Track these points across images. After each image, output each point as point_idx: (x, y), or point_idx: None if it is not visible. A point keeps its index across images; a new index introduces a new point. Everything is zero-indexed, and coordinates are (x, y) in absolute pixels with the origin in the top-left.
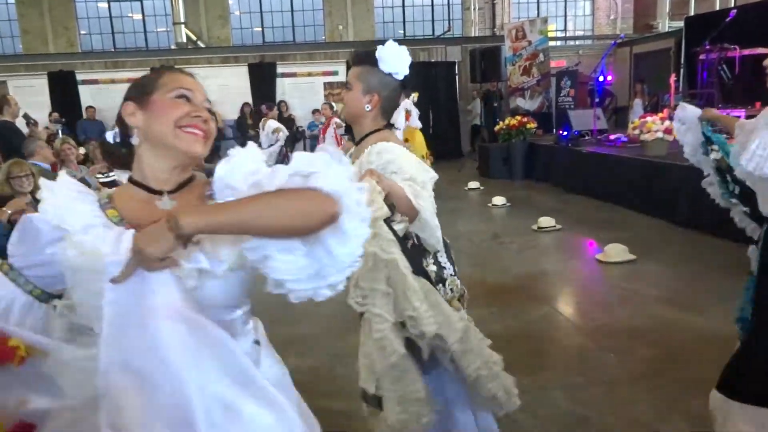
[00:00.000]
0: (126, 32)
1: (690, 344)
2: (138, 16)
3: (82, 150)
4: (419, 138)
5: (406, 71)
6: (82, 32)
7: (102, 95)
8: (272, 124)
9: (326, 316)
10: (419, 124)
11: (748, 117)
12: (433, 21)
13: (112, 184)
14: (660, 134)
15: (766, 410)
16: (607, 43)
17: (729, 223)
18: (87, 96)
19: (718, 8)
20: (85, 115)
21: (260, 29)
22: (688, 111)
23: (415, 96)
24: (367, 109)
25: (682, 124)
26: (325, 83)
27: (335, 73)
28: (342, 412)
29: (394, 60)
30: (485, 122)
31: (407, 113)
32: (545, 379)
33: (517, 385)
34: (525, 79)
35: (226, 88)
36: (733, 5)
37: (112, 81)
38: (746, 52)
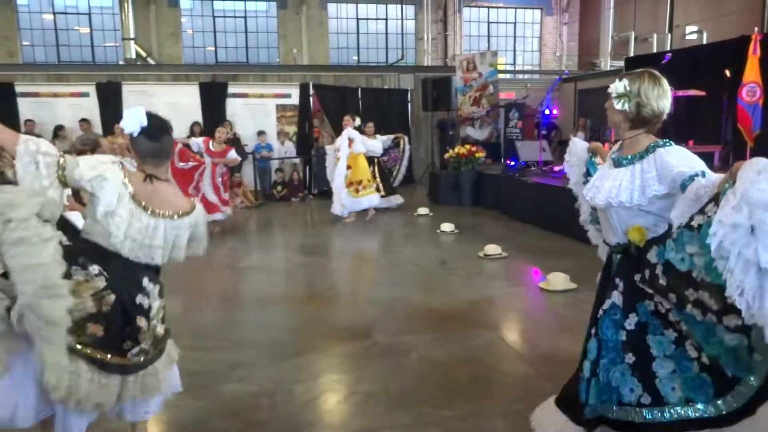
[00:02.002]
0: (72, 45)
1: None
2: (85, 30)
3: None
4: (362, 163)
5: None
6: (25, 43)
7: (43, 109)
8: None
9: (266, 343)
10: (363, 149)
11: None
12: (387, 49)
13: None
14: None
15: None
16: (553, 78)
17: None
18: (26, 109)
19: (655, 51)
20: (23, 129)
21: (213, 49)
22: (578, 144)
23: (358, 120)
24: None
25: (572, 156)
26: (277, 105)
27: (288, 96)
28: None
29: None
30: (438, 149)
31: (350, 141)
32: (486, 406)
33: (459, 411)
34: (475, 109)
35: (176, 106)
36: (668, 49)
37: (54, 95)
38: (680, 93)
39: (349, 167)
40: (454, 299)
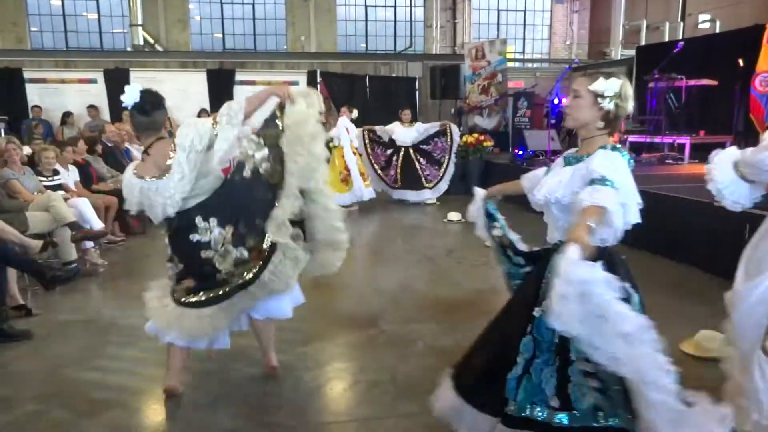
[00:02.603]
0: (80, 31)
1: None
2: (93, 16)
3: (27, 150)
4: (339, 155)
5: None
6: (33, 29)
7: (51, 95)
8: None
9: (275, 328)
10: (356, 142)
11: (693, 144)
12: (395, 36)
13: (58, 187)
14: None
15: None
16: (563, 67)
17: (678, 245)
18: (34, 95)
19: (667, 39)
20: (31, 115)
21: (221, 35)
22: (477, 194)
23: (356, 112)
24: None
25: (474, 205)
26: None
27: (296, 84)
28: (289, 428)
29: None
30: None
31: (348, 131)
32: None
33: None
34: (483, 98)
35: (184, 93)
36: (680, 38)
37: (62, 81)
38: (692, 82)
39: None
40: (461, 288)
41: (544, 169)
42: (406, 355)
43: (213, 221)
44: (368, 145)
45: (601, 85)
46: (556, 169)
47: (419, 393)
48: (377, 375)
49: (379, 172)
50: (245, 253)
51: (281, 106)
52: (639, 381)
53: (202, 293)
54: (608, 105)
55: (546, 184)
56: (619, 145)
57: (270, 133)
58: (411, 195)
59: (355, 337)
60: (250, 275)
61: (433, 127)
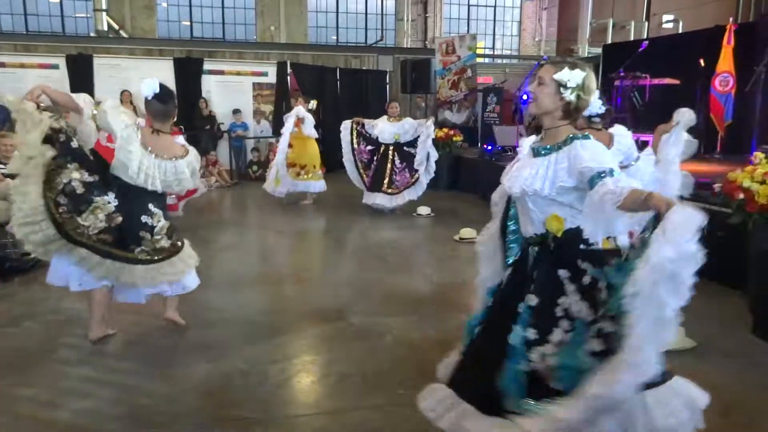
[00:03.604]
0: (40, 15)
1: None
2: None
3: None
4: (311, 148)
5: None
6: None
7: (9, 80)
8: None
9: (240, 324)
10: (314, 134)
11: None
12: (366, 29)
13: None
14: None
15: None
16: (532, 64)
17: None
18: None
19: (632, 38)
20: None
21: (188, 23)
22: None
23: (313, 103)
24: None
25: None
26: (254, 83)
27: (265, 74)
28: (256, 420)
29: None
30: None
31: (298, 120)
32: None
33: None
34: (453, 92)
35: None
36: (645, 37)
37: (22, 65)
38: (656, 81)
39: (290, 146)
40: (430, 282)
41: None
42: (374, 347)
43: (161, 212)
44: (355, 139)
45: (565, 74)
46: (525, 160)
47: (388, 385)
48: (346, 368)
49: (361, 170)
50: (166, 245)
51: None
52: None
53: (117, 248)
54: (569, 96)
55: (519, 177)
56: (584, 134)
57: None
58: (373, 199)
59: (324, 330)
60: (159, 257)
61: (421, 125)
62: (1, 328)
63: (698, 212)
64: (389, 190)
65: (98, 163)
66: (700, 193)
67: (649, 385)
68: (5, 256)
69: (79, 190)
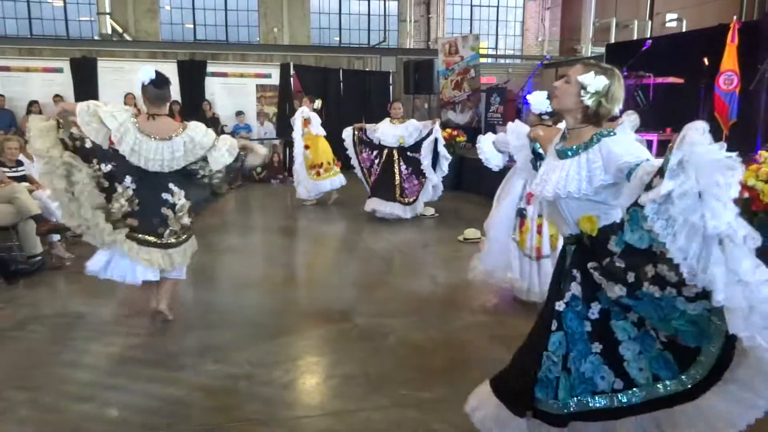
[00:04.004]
0: (44, 18)
1: None
2: (59, 3)
3: None
4: (322, 145)
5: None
6: None
7: (14, 83)
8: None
9: (244, 325)
10: (322, 132)
11: (660, 141)
12: (369, 30)
13: (22, 179)
14: None
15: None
16: (535, 63)
17: None
18: None
19: (636, 38)
20: None
21: (191, 26)
22: (521, 129)
23: (318, 103)
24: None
25: (518, 140)
26: (257, 85)
27: (268, 76)
28: (261, 422)
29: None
30: None
31: (305, 121)
32: (464, 389)
33: (437, 394)
34: (456, 93)
35: None
36: (649, 36)
37: (27, 69)
38: (659, 80)
39: (307, 147)
40: (433, 283)
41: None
42: (378, 348)
43: (182, 192)
44: (357, 146)
45: (588, 78)
46: (552, 163)
47: (392, 386)
48: (350, 369)
49: (366, 175)
50: (187, 222)
51: (244, 149)
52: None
53: (141, 234)
54: (588, 100)
55: (549, 180)
56: (608, 130)
57: (232, 165)
58: (381, 206)
59: (328, 331)
60: (183, 237)
61: (426, 126)
62: (6, 331)
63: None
64: (404, 200)
65: (115, 153)
66: None
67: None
68: (11, 258)
69: (105, 184)
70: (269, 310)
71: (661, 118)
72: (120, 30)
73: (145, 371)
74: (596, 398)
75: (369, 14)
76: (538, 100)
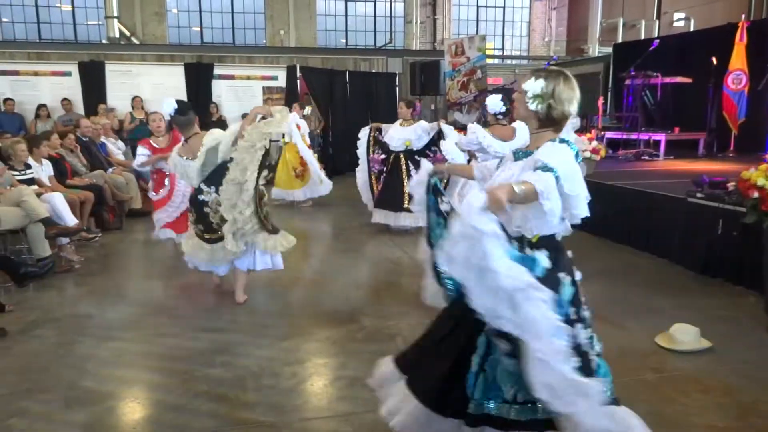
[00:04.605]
0: (53, 23)
1: (611, 356)
2: (67, 7)
3: None
4: (292, 151)
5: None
6: (4, 20)
7: (23, 87)
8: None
9: (252, 327)
10: (307, 141)
11: (668, 141)
12: (375, 32)
13: (30, 182)
14: (587, 153)
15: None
16: (542, 64)
17: (655, 239)
18: (6, 87)
19: (643, 37)
20: (2, 108)
21: (198, 29)
22: (424, 167)
23: (309, 109)
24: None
25: (418, 177)
26: (264, 87)
27: (275, 78)
28: (269, 424)
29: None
30: None
31: (299, 126)
32: None
33: None
34: (463, 94)
35: (161, 87)
36: (656, 35)
37: (35, 73)
38: (667, 79)
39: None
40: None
41: (496, 161)
42: (386, 350)
43: (212, 188)
44: (372, 146)
45: (527, 85)
46: (508, 164)
47: None
48: (357, 371)
49: (373, 182)
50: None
51: (264, 118)
52: (527, 341)
53: (206, 234)
54: (532, 105)
55: (497, 179)
56: (567, 138)
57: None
58: (388, 219)
59: (335, 333)
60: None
61: (433, 128)
62: (17, 334)
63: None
64: (409, 207)
65: None
66: (714, 192)
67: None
68: (21, 261)
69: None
70: (276, 312)
71: (669, 118)
72: (128, 33)
73: (153, 374)
74: (502, 407)
75: (375, 16)
76: (494, 102)
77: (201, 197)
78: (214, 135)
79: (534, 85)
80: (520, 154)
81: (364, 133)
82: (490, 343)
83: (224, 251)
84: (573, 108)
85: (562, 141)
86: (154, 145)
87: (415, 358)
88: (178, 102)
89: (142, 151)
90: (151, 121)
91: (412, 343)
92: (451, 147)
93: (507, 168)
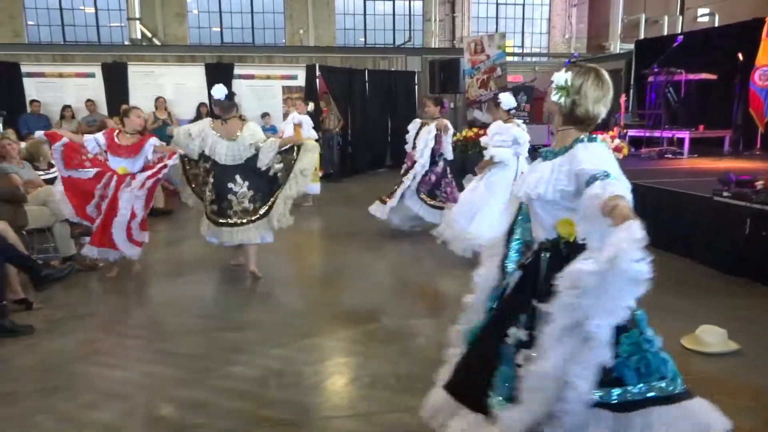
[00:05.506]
0: (77, 25)
1: None
2: (90, 10)
3: (23, 144)
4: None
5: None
6: (30, 23)
7: (49, 89)
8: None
9: (273, 326)
10: (314, 134)
11: (692, 138)
12: (394, 30)
13: (54, 180)
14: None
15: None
16: (562, 61)
17: (679, 239)
18: (32, 89)
19: (666, 33)
20: (29, 109)
21: (218, 29)
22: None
23: (311, 105)
24: None
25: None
26: (283, 87)
27: (294, 78)
28: (291, 422)
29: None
30: None
31: (296, 126)
32: None
33: None
34: (482, 92)
35: (182, 87)
36: (679, 32)
37: (60, 75)
38: (691, 76)
39: None
40: (460, 283)
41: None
42: (406, 349)
43: (246, 183)
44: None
45: (555, 76)
46: (536, 165)
47: (421, 388)
48: (378, 370)
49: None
50: (248, 206)
51: (298, 146)
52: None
53: (219, 218)
54: (557, 97)
55: (525, 181)
56: (594, 135)
57: (286, 157)
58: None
59: (356, 332)
60: (245, 220)
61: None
62: (43, 331)
63: (642, 233)
64: (435, 203)
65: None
66: (741, 191)
67: (659, 401)
68: (46, 260)
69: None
70: (297, 310)
71: (693, 115)
72: (149, 35)
73: (175, 371)
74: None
75: (394, 14)
76: (507, 99)
77: (230, 185)
78: (251, 131)
79: (560, 76)
80: (548, 154)
81: (414, 126)
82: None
83: (232, 234)
84: (599, 109)
85: (591, 139)
86: (116, 140)
87: (461, 378)
88: (229, 90)
89: (93, 137)
90: (135, 116)
91: (455, 367)
92: (500, 151)
93: (534, 170)
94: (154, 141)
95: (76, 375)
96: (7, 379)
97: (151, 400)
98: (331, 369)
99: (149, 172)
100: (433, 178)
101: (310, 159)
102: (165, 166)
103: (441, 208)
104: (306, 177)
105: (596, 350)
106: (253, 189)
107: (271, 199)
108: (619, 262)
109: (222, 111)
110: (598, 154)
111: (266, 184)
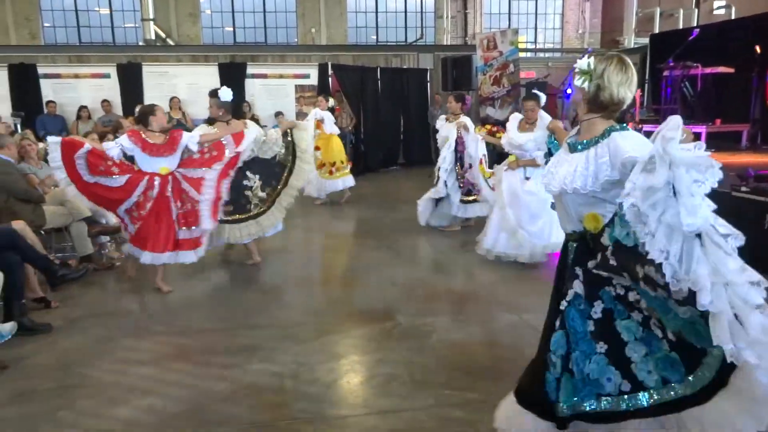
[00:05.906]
0: (92, 26)
1: None
2: (105, 11)
3: (41, 145)
4: (336, 144)
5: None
6: (46, 25)
7: (65, 90)
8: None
9: (288, 325)
10: (336, 130)
11: (709, 133)
12: (406, 28)
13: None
14: None
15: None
16: (576, 57)
17: None
18: (48, 90)
19: (681, 27)
20: (45, 110)
21: (231, 29)
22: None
23: (332, 101)
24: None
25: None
26: (296, 86)
27: (307, 76)
28: (307, 420)
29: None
30: None
31: (318, 122)
32: (509, 388)
33: (481, 393)
34: (495, 88)
35: (196, 87)
36: (695, 25)
37: (76, 76)
38: (708, 70)
39: (317, 148)
40: (474, 281)
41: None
42: (421, 347)
43: (256, 176)
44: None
45: (578, 62)
46: (562, 156)
47: (436, 386)
48: (393, 368)
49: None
50: (264, 195)
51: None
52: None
53: (236, 215)
54: (581, 82)
55: (557, 175)
56: (621, 124)
57: (285, 140)
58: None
59: (371, 330)
60: (265, 208)
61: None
62: (62, 329)
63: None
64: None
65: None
66: (760, 185)
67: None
68: (63, 259)
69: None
70: (312, 309)
71: (710, 109)
72: (163, 35)
73: (194, 369)
74: (601, 401)
75: (405, 11)
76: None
77: (245, 182)
78: (253, 130)
79: (583, 61)
80: (577, 145)
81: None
82: (569, 341)
83: (249, 228)
84: (624, 93)
85: (624, 128)
86: (147, 140)
87: (529, 380)
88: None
89: (113, 144)
90: (161, 113)
91: (523, 372)
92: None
93: (562, 161)
94: (187, 134)
95: (95, 372)
96: (28, 376)
97: (172, 397)
98: (346, 367)
99: (226, 160)
100: (466, 181)
101: (303, 137)
102: (238, 154)
103: (477, 201)
104: (308, 154)
105: (717, 246)
106: (263, 179)
107: (281, 183)
108: (669, 150)
109: (226, 113)
110: (639, 140)
111: (273, 170)
